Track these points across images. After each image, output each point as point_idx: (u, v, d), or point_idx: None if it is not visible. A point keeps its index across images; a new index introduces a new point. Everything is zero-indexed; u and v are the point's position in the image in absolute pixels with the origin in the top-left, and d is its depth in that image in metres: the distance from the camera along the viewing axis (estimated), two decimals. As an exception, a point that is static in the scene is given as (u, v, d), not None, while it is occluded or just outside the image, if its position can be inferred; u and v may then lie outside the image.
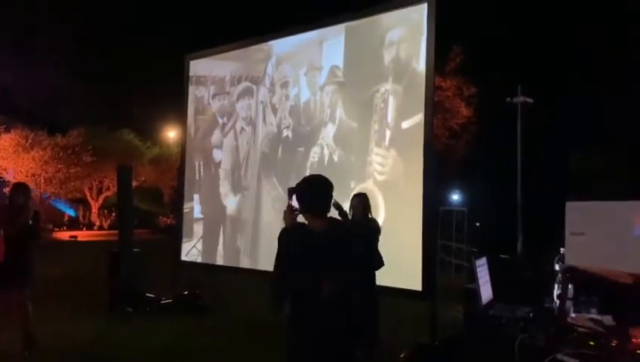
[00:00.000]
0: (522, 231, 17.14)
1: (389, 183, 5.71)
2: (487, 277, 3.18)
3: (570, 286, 2.60)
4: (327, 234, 2.43)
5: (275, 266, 2.50)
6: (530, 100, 18.68)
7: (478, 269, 3.02)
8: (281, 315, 2.46)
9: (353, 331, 2.41)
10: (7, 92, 28.31)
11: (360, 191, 4.92)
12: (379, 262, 4.34)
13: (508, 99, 18.82)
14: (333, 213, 5.66)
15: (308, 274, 2.38)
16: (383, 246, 4.57)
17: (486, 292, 3.08)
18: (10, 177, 26.37)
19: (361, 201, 4.65)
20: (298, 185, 2.54)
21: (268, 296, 2.47)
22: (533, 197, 17.58)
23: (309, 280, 2.37)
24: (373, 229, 4.59)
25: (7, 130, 27.26)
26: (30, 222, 5.14)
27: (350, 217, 4.52)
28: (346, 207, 4.53)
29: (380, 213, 5.58)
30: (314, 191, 2.53)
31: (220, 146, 7.86)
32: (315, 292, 2.33)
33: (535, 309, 2.84)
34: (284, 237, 2.51)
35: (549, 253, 3.53)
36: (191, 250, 8.05)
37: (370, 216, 4.69)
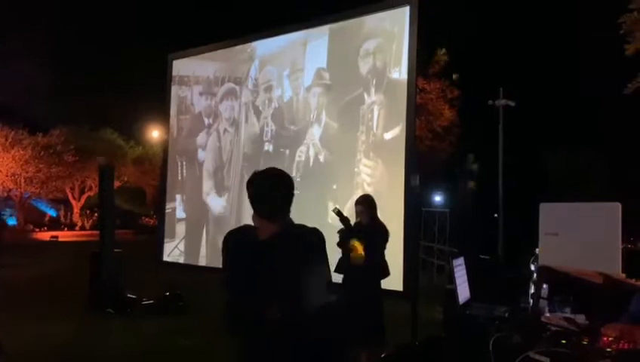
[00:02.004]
0: (503, 232, 17.34)
1: (377, 193, 5.69)
2: (465, 277, 3.23)
3: (544, 285, 2.66)
4: (274, 244, 1.95)
5: (225, 278, 2.05)
6: (511, 103, 18.91)
7: (455, 269, 3.07)
8: (238, 333, 2.07)
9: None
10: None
11: (363, 195, 4.46)
12: (384, 272, 4.14)
13: (490, 101, 19.03)
14: (327, 220, 5.68)
15: (250, 295, 1.96)
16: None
17: (463, 292, 3.13)
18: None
19: (366, 205, 4.19)
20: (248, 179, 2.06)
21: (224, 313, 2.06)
22: (513, 199, 17.81)
23: (251, 302, 1.95)
24: (379, 235, 4.12)
25: (-15, 129, 26.86)
26: None
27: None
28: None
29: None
30: (262, 188, 2.03)
31: (203, 147, 7.84)
32: (259, 317, 1.91)
33: (510, 309, 2.89)
34: (226, 244, 2.06)
35: (526, 253, 3.60)
36: (173, 251, 8.02)
37: (378, 220, 4.23)
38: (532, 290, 2.96)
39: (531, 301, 2.91)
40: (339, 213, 3.99)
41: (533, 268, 3.17)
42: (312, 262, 1.96)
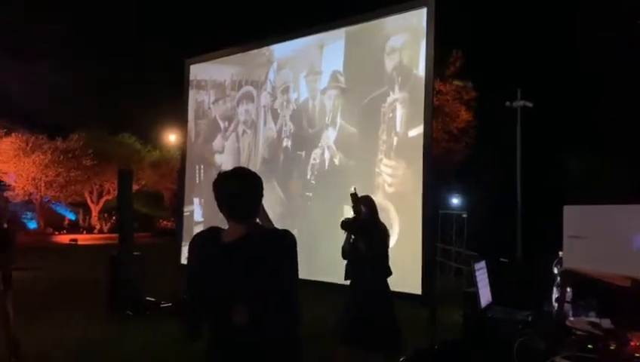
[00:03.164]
0: (522, 235, 17.13)
1: (398, 194, 5.68)
2: (487, 281, 3.20)
3: (568, 289, 2.62)
4: (238, 247, 1.90)
5: (186, 280, 2.01)
6: (529, 104, 18.69)
7: (477, 273, 3.04)
8: (197, 339, 2.03)
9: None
10: (7, 96, 28.40)
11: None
12: (387, 270, 4.11)
13: (507, 103, 18.84)
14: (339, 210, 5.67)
15: (214, 297, 1.93)
16: (392, 252, 4.52)
17: (485, 296, 3.10)
18: (11, 181, 26.37)
19: (366, 205, 4.15)
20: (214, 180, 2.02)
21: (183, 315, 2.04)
22: (532, 201, 17.59)
23: (217, 303, 1.92)
24: (379, 234, 4.12)
25: (7, 134, 27.35)
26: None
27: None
28: (350, 212, 4.36)
29: (394, 225, 5.55)
30: (226, 189, 1.98)
31: (220, 150, 7.89)
32: (227, 317, 1.88)
33: (534, 312, 2.86)
34: (192, 246, 2.02)
35: (547, 256, 3.54)
36: (191, 254, 8.06)
37: (378, 220, 4.23)
38: (555, 294, 2.92)
39: (555, 305, 2.87)
40: (354, 196, 3.94)
41: (556, 271, 3.12)
42: (280, 263, 1.91)
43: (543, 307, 3.03)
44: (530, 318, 2.79)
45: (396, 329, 4.05)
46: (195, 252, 2.00)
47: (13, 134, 27.53)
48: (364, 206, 4.16)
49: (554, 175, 19.22)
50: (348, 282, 4.07)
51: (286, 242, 1.96)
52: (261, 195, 2.02)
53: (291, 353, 1.96)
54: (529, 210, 17.53)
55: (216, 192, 1.98)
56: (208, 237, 2.00)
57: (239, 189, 1.97)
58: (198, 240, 2.02)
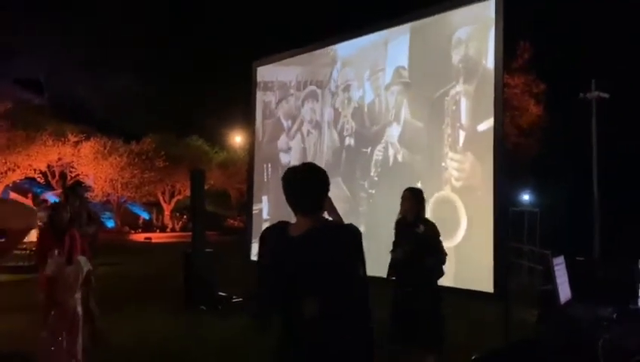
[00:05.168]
0: (599, 232, 16.26)
1: (467, 188, 5.54)
2: (566, 277, 3.09)
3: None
4: (305, 241, 1.93)
5: (257, 273, 2.08)
6: (605, 95, 17.71)
7: (555, 268, 2.94)
8: (269, 332, 2.06)
9: (350, 357, 1.93)
10: (86, 103, 30.25)
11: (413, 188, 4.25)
12: (439, 271, 3.96)
13: (581, 94, 17.94)
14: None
15: (284, 289, 1.96)
16: (460, 248, 4.45)
17: (564, 292, 2.99)
18: (91, 182, 28.03)
19: (414, 199, 4.02)
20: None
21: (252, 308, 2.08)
22: (610, 196, 16.64)
23: (288, 296, 1.95)
24: (425, 235, 3.89)
25: (87, 139, 29.08)
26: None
27: (400, 216, 4.09)
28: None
29: (461, 220, 5.46)
30: (294, 183, 2.03)
31: (286, 149, 8.02)
32: (297, 310, 1.90)
33: (619, 310, 2.73)
34: (262, 240, 2.08)
35: (627, 251, 3.37)
36: (260, 251, 8.25)
37: (425, 218, 4.08)
38: (643, 291, 2.78)
39: (643, 302, 2.73)
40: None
41: (642, 267, 2.97)
42: (345, 257, 1.92)
43: (629, 304, 2.89)
44: (615, 316, 2.66)
45: (438, 325, 3.93)
46: (264, 246, 2.06)
47: (91, 139, 29.25)
48: (411, 201, 4.02)
49: (633, 170, 18.08)
50: None
51: (351, 235, 1.98)
52: (327, 189, 2.06)
53: (361, 349, 1.94)
54: (607, 207, 16.61)
55: (284, 186, 2.03)
56: (277, 232, 2.05)
57: (305, 183, 2.02)
58: (267, 235, 2.08)
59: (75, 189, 5.67)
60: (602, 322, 2.55)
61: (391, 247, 4.08)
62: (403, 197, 4.08)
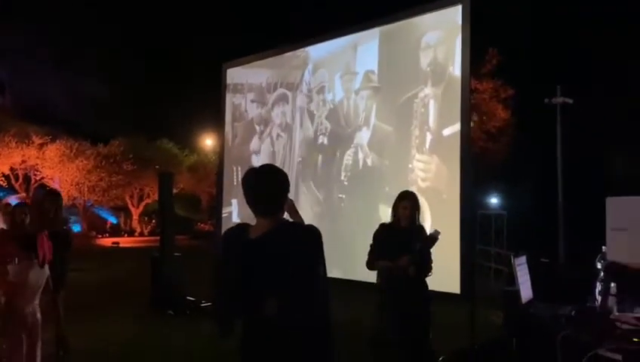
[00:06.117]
0: (563, 234, 16.67)
1: (432, 190, 5.62)
2: (527, 276, 3.16)
3: (612, 283, 2.57)
4: (265, 241, 1.94)
5: (215, 277, 2.10)
6: (569, 100, 18.20)
7: (517, 268, 3.01)
8: (230, 335, 2.07)
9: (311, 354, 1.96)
10: (52, 104, 29.54)
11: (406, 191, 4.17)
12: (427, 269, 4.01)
13: (546, 99, 18.39)
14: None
15: (245, 291, 1.96)
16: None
17: (526, 292, 3.06)
18: (57, 185, 27.35)
19: (412, 202, 3.94)
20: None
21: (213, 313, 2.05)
22: (574, 199, 17.11)
23: (248, 296, 1.96)
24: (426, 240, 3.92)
25: (52, 141, 28.39)
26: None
27: (392, 220, 4.01)
28: (386, 212, 4.31)
29: (426, 220, 5.52)
30: (253, 185, 2.03)
31: (257, 152, 7.99)
32: (258, 309, 1.92)
33: (577, 307, 2.81)
34: (222, 243, 2.09)
35: (590, 252, 3.47)
36: (230, 254, 8.19)
37: (420, 224, 4.07)
38: (599, 288, 2.87)
39: (599, 299, 2.82)
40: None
41: (599, 266, 3.06)
42: (305, 257, 1.93)
43: (586, 302, 2.97)
44: (573, 313, 2.74)
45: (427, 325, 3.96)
46: (223, 249, 2.06)
47: (57, 141, 28.57)
48: (410, 204, 3.93)
49: (595, 173, 18.64)
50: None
51: (311, 235, 1.99)
52: (286, 191, 2.05)
53: (322, 343, 1.98)
54: (570, 209, 17.07)
55: (244, 188, 2.03)
56: (236, 234, 2.05)
57: (263, 185, 2.01)
58: (226, 238, 2.08)
59: (55, 197, 5.41)
60: (561, 319, 2.62)
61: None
62: (402, 205, 3.96)
